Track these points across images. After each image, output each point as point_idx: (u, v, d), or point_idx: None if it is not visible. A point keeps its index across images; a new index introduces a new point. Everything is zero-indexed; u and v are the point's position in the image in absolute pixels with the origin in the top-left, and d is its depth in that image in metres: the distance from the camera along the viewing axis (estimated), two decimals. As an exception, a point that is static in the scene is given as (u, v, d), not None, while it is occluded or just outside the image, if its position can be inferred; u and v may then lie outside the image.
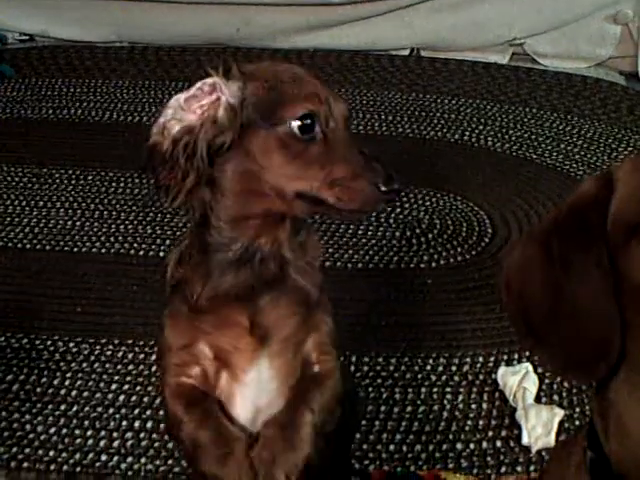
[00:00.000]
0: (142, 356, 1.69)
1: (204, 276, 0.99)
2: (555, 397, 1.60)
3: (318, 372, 1.02)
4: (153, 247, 2.03)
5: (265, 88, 0.96)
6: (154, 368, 1.61)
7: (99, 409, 1.59)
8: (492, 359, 1.69)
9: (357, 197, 0.94)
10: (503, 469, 1.47)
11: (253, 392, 1.01)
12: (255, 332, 0.99)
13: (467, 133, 2.57)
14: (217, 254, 0.99)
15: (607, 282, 0.69)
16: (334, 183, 0.94)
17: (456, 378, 1.65)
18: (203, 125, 0.94)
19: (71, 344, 1.73)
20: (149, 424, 1.54)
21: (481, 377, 1.65)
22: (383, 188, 0.93)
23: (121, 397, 1.61)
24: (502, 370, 1.63)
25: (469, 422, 1.56)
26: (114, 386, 1.63)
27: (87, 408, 1.59)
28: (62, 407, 1.59)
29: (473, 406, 1.59)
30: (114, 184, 2.28)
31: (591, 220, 0.71)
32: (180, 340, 1.01)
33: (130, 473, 1.46)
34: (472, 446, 1.51)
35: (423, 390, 1.62)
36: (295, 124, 0.94)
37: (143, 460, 1.48)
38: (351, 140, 0.97)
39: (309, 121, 0.94)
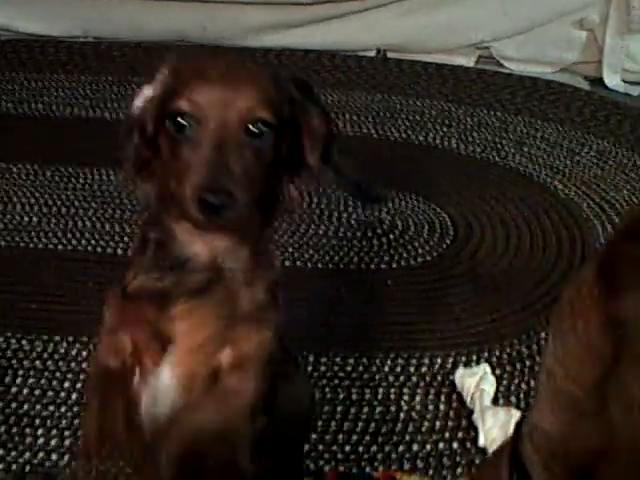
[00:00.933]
0: (96, 354, 1.66)
1: (139, 267, 0.97)
2: (512, 399, 1.59)
3: (223, 389, 0.98)
4: (111, 244, 1.99)
5: (168, 82, 0.94)
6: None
7: (51, 407, 1.55)
8: (450, 360, 1.68)
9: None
10: (459, 470, 1.46)
11: (152, 399, 0.99)
12: (159, 339, 0.96)
13: (431, 135, 2.56)
14: (154, 252, 0.97)
15: None
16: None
17: (414, 379, 1.64)
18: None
19: (24, 341, 1.69)
20: (101, 423, 1.51)
21: (439, 378, 1.64)
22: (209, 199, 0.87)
23: (73, 395, 1.58)
24: (460, 371, 1.62)
25: (426, 423, 1.55)
26: (67, 384, 1.60)
27: (38, 406, 1.55)
28: (13, 405, 1.55)
29: (430, 407, 1.58)
30: (73, 180, 2.24)
31: None
32: (110, 320, 0.99)
33: (80, 472, 1.44)
34: (428, 447, 1.50)
35: (380, 391, 1.61)
36: (170, 122, 0.91)
37: (94, 460, 1.46)
38: (217, 147, 0.89)
39: (180, 119, 0.90)
